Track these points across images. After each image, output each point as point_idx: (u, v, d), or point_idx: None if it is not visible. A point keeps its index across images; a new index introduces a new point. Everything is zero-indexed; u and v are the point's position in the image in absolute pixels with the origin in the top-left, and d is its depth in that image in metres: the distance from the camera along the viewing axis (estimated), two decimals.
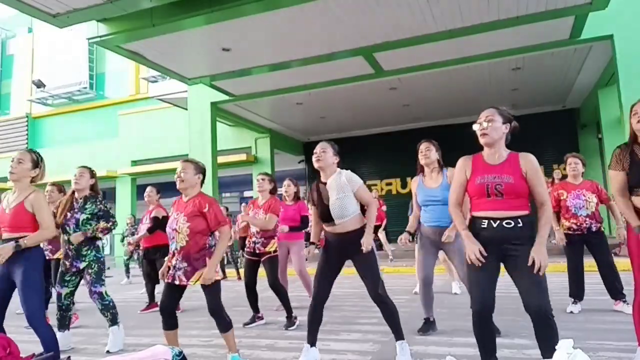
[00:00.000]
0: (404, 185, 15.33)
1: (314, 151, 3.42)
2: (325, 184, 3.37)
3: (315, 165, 3.40)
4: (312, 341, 3.37)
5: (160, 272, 3.44)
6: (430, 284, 4.08)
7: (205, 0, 7.04)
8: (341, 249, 3.33)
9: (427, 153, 3.95)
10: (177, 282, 3.24)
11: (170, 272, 3.28)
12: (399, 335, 3.29)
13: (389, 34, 8.10)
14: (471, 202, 2.73)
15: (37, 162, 3.38)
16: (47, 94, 20.52)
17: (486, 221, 2.61)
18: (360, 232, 3.28)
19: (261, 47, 8.58)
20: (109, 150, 17.08)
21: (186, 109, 12.09)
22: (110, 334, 4.19)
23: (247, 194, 17.67)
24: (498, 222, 2.58)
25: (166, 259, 3.40)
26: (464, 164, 2.74)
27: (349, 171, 3.39)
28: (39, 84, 19.76)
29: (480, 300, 2.61)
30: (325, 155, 3.36)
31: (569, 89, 12.08)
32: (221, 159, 12.74)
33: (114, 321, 4.20)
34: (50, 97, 20.77)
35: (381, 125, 14.99)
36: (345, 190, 3.28)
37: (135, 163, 16.67)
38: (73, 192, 4.23)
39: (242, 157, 14.52)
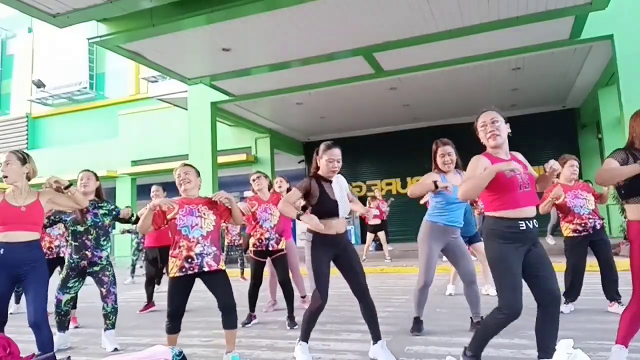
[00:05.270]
0: (404, 185, 15.31)
1: (335, 162, 3.43)
2: (330, 182, 3.48)
3: (333, 175, 3.47)
4: (307, 338, 3.49)
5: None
6: (429, 286, 4.11)
7: (205, 0, 7.05)
8: (332, 249, 3.43)
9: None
10: (206, 269, 3.27)
11: (195, 262, 3.26)
12: (377, 334, 3.41)
13: (389, 34, 8.10)
14: (494, 201, 2.66)
15: (24, 159, 3.39)
16: (47, 94, 20.51)
17: (524, 222, 2.60)
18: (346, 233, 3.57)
19: (261, 47, 8.58)
20: (109, 150, 17.08)
21: (186, 109, 12.10)
22: (108, 336, 4.23)
23: (247, 194, 17.63)
24: (532, 222, 2.64)
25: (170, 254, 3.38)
26: (479, 160, 2.69)
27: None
28: (39, 84, 19.76)
29: (514, 305, 2.59)
30: (339, 165, 3.50)
31: (569, 89, 12.09)
32: (221, 159, 12.75)
33: (114, 325, 4.31)
34: (50, 97, 20.76)
35: (381, 125, 14.99)
36: (344, 191, 3.53)
37: (135, 163, 16.66)
38: None
39: (242, 157, 14.53)
